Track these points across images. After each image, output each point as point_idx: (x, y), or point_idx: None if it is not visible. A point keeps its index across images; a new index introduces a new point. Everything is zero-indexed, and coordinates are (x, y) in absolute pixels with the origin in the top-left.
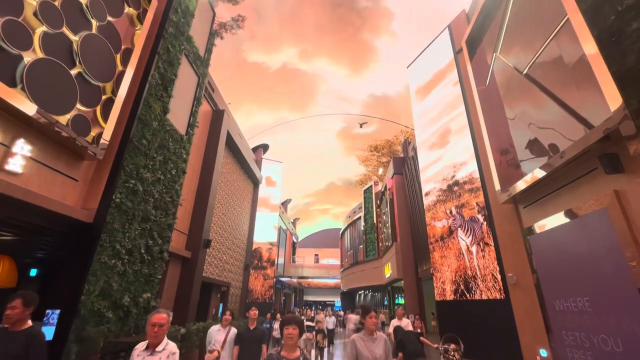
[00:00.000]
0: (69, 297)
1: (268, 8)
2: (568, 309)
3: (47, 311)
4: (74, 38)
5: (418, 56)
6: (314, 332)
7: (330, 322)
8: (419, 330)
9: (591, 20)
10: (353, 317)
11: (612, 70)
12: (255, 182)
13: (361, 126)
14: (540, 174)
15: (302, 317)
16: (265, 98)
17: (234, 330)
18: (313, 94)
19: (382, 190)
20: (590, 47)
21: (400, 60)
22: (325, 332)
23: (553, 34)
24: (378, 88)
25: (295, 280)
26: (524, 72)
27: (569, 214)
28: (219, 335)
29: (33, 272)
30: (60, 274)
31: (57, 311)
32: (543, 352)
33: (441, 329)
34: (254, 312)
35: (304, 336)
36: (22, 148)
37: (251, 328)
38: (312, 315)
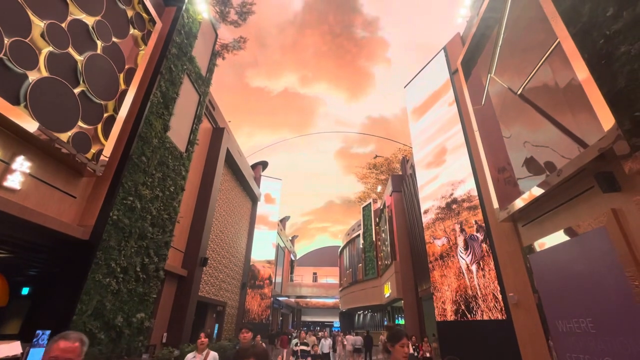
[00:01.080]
0: (60, 317)
1: (271, 37)
2: (571, 331)
3: (37, 332)
4: (79, 58)
5: (415, 76)
6: (309, 359)
7: (325, 345)
8: (427, 355)
9: (581, 44)
10: (351, 338)
11: (604, 92)
12: (253, 200)
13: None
14: (538, 192)
15: (295, 340)
16: (266, 120)
17: (213, 355)
18: (312, 116)
19: (381, 207)
20: (581, 70)
21: (396, 85)
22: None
23: (545, 57)
24: (375, 111)
25: (293, 299)
26: (518, 92)
27: (568, 232)
28: None
29: (25, 291)
30: (53, 292)
31: (48, 332)
32: None
33: (442, 351)
34: (243, 336)
35: None
36: (21, 165)
37: None
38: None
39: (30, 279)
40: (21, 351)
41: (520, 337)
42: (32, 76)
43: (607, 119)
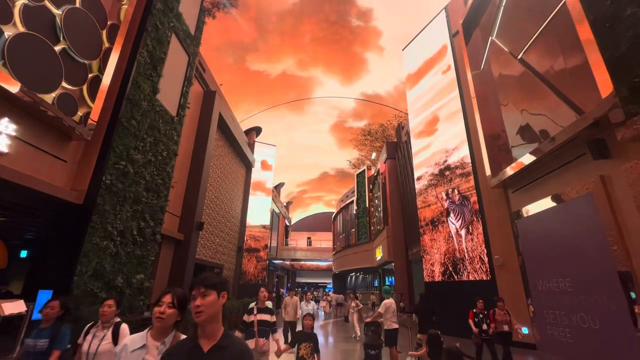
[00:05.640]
0: (61, 278)
1: (271, 24)
2: (550, 289)
3: (40, 292)
4: (57, 12)
5: (414, 38)
6: (279, 332)
7: (309, 309)
8: (506, 328)
9: (587, 4)
10: (334, 296)
11: (605, 57)
12: (248, 166)
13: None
14: (530, 159)
15: (252, 304)
16: (265, 99)
17: (124, 330)
18: (309, 94)
19: (375, 174)
20: (585, 33)
21: (387, 70)
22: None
23: (549, 18)
24: (369, 89)
25: (288, 262)
26: (519, 56)
27: (556, 198)
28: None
29: (23, 254)
30: (52, 255)
31: (50, 292)
32: (525, 330)
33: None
34: (195, 304)
35: (257, 343)
36: (6, 127)
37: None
38: (303, 297)
39: (28, 243)
40: (25, 309)
41: (502, 295)
42: (8, 31)
43: (605, 86)
